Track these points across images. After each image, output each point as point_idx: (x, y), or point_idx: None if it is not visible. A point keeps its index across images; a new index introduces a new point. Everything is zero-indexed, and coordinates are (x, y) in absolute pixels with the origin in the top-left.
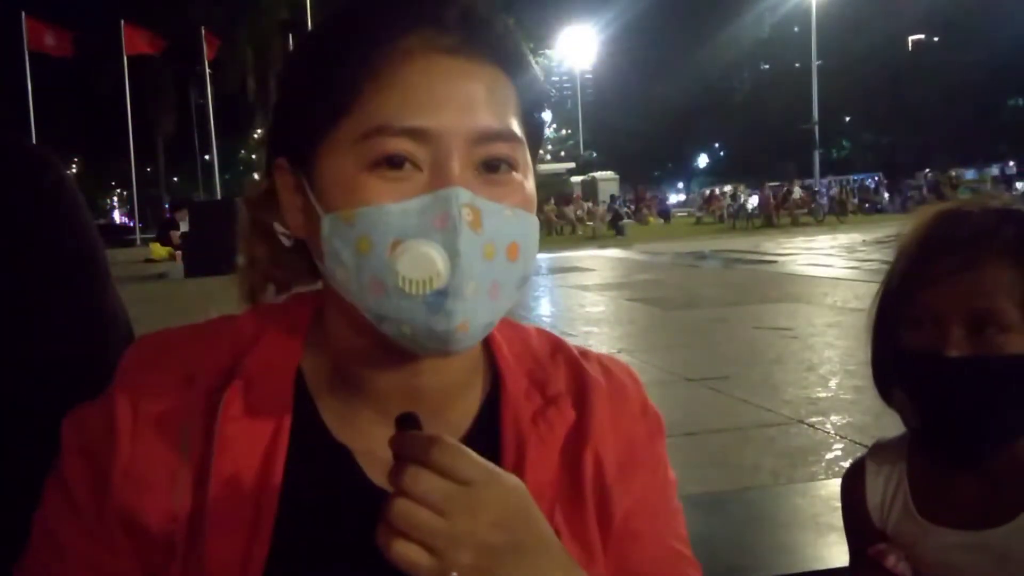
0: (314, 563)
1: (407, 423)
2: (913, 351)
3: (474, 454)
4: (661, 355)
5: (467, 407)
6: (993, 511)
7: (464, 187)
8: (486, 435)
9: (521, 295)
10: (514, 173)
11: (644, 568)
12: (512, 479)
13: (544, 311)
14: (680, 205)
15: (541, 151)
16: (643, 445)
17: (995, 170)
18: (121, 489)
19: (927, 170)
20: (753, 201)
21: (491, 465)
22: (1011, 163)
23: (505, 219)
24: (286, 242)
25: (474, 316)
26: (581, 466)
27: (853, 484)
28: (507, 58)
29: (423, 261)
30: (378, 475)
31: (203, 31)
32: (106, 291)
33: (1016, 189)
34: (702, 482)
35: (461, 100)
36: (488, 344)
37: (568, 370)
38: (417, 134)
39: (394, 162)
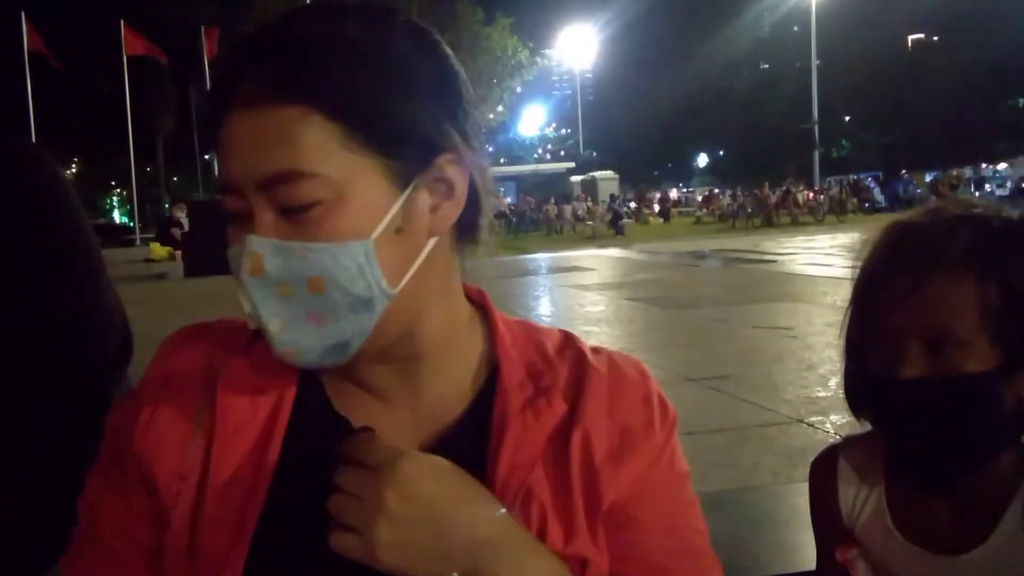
0: (304, 528)
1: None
2: (869, 374)
3: (383, 442)
4: (661, 354)
5: (462, 396)
6: (966, 534)
7: (264, 232)
8: (478, 419)
9: (369, 314)
10: (314, 209)
11: (658, 559)
12: (425, 456)
13: (544, 310)
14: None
15: (540, 150)
16: (641, 432)
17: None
18: (140, 444)
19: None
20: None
21: (400, 448)
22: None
23: (298, 258)
24: None
25: (299, 344)
26: (568, 449)
27: (824, 475)
28: (315, 94)
29: (243, 305)
30: None
31: (203, 31)
32: (100, 287)
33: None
34: (702, 482)
35: (247, 149)
36: (492, 340)
37: (572, 363)
38: (227, 188)
39: (229, 215)
